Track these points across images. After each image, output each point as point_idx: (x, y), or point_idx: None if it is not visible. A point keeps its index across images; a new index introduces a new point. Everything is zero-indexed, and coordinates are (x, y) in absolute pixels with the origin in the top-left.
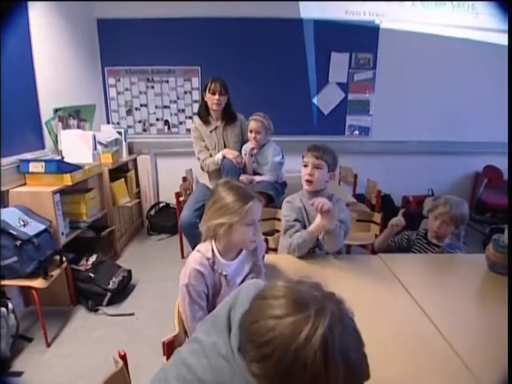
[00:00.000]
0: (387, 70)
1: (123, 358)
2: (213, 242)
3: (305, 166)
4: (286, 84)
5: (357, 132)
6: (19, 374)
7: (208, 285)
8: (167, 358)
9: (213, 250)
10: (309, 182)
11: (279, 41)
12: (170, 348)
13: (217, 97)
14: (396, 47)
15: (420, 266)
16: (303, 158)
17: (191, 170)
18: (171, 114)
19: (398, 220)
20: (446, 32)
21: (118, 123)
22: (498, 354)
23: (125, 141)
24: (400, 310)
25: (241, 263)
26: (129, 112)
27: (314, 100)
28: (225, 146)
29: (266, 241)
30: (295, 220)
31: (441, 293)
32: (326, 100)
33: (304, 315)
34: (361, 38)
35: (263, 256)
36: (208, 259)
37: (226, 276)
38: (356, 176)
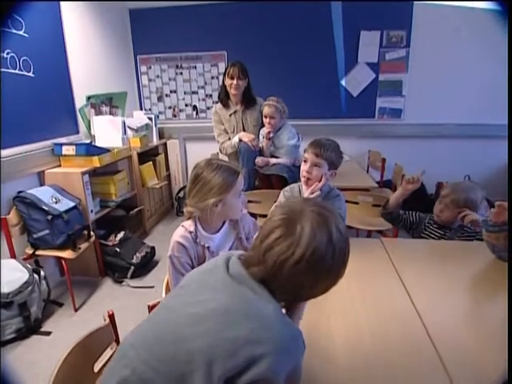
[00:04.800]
0: (422, 47)
1: (110, 316)
2: (196, 217)
3: (304, 161)
4: (313, 66)
5: (388, 115)
6: (47, 333)
7: (191, 256)
8: None
9: (196, 225)
10: (306, 178)
11: (306, 21)
12: None
13: (235, 81)
14: (432, 22)
15: (421, 252)
16: (304, 152)
17: (217, 154)
18: (199, 100)
19: (412, 177)
20: (487, 4)
21: (149, 109)
22: (474, 350)
23: (155, 126)
24: (387, 295)
25: (224, 236)
26: (160, 98)
27: (343, 82)
28: (244, 130)
29: None
30: None
31: (435, 281)
32: (355, 81)
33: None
34: (393, 14)
35: None
36: (190, 233)
37: (208, 248)
38: (384, 160)
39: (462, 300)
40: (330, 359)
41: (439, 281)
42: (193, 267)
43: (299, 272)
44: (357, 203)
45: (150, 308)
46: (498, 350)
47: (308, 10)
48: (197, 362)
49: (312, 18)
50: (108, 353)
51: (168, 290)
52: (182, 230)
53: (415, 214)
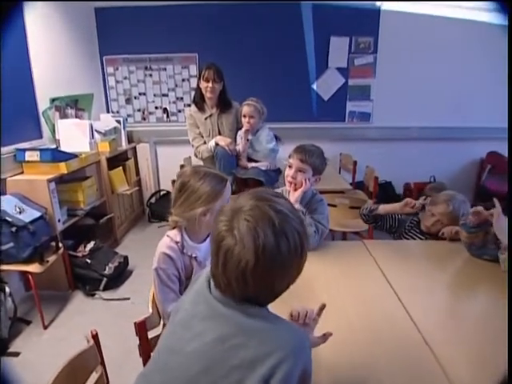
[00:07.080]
0: (389, 53)
1: (94, 337)
2: (182, 227)
3: (289, 166)
4: (284, 70)
5: (357, 118)
6: (16, 354)
7: (178, 268)
8: (139, 339)
9: (182, 234)
10: (294, 184)
11: (277, 26)
12: (141, 329)
13: (210, 84)
14: (398, 30)
15: (403, 253)
16: (289, 157)
17: (190, 157)
18: (170, 102)
19: (415, 203)
20: (449, 13)
21: (117, 112)
22: (462, 337)
23: (124, 129)
24: (376, 296)
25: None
26: (128, 101)
27: (314, 86)
28: (219, 134)
29: None
30: None
31: (420, 279)
32: (325, 86)
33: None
34: (361, 22)
35: None
36: (177, 243)
37: (196, 258)
38: (355, 163)
39: (446, 297)
40: (327, 364)
41: (424, 279)
42: (180, 279)
43: (263, 274)
44: (334, 206)
45: (137, 326)
46: (487, 340)
47: (279, 15)
48: None
49: (283, 23)
50: (94, 376)
51: (154, 304)
52: (167, 241)
53: (394, 217)
